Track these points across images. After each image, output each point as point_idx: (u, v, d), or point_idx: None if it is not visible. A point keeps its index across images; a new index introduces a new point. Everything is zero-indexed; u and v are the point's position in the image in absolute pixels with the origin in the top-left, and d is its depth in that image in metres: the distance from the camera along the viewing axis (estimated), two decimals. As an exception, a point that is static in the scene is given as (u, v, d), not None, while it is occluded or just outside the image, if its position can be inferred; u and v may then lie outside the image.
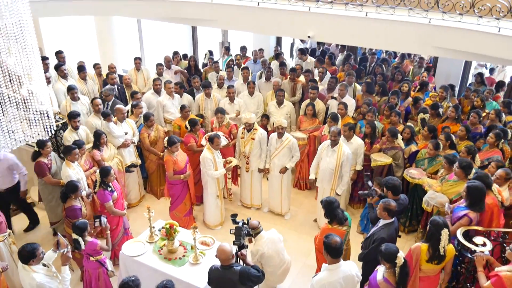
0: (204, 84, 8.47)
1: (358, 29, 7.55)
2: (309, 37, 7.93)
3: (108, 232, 5.55)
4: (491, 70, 11.24)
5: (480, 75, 9.71)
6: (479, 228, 5.09)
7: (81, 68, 8.94)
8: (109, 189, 6.00)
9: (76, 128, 6.95)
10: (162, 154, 7.56)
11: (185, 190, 7.04)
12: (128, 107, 8.03)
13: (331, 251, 4.33)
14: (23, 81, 4.21)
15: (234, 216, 5.25)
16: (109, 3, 9.38)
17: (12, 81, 4.26)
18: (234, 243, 4.86)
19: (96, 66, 9.65)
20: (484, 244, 4.81)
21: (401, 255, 4.32)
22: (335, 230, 5.14)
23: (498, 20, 6.51)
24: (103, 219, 5.43)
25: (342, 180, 6.76)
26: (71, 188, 5.69)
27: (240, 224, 5.07)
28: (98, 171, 6.06)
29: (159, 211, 7.52)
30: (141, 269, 5.38)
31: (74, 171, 6.21)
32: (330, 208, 5.16)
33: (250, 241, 5.51)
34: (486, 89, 9.02)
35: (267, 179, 7.66)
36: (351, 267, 4.49)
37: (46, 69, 8.06)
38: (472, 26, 6.66)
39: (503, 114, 7.83)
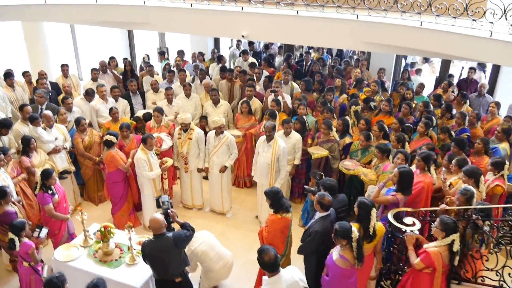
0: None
1: (290, 27, 7.72)
2: (243, 36, 8.02)
3: (41, 246, 5.34)
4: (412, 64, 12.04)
5: (407, 72, 10.19)
6: (408, 209, 5.28)
7: (7, 75, 8.56)
8: (50, 192, 5.80)
9: None
10: (98, 159, 7.37)
11: (126, 189, 7.01)
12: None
13: (268, 267, 4.18)
14: None
15: (158, 197, 5.30)
16: (36, 8, 9.03)
17: None
18: (162, 208, 5.11)
19: (25, 74, 9.31)
20: (413, 224, 5.00)
21: (355, 230, 4.44)
22: (283, 218, 5.19)
23: (420, 14, 6.86)
24: (44, 232, 5.27)
25: (280, 174, 6.83)
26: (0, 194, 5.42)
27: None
28: (39, 173, 5.83)
29: (97, 217, 7.31)
30: (75, 274, 5.19)
31: (0, 178, 5.90)
32: (276, 198, 5.17)
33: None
34: (419, 84, 9.51)
35: (207, 179, 7.61)
36: (293, 273, 4.37)
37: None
38: (396, 20, 6.98)
39: (432, 106, 8.28)
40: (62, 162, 7.16)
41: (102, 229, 5.35)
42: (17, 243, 4.91)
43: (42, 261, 5.30)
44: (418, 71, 11.62)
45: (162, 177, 7.08)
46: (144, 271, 5.11)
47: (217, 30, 8.41)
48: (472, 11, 6.39)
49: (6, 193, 5.45)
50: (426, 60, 11.90)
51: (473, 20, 6.39)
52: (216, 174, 7.27)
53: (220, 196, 7.47)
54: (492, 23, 6.17)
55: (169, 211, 5.04)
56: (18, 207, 5.91)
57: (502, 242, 4.80)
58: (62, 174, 7.17)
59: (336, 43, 8.07)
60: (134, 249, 5.35)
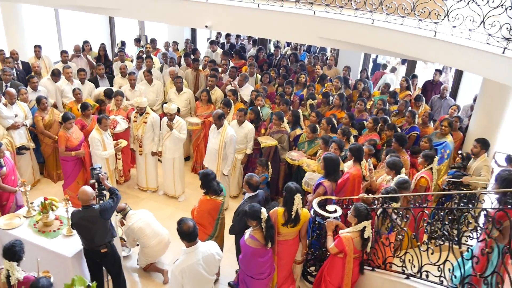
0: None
1: (251, 19, 7.91)
2: (206, 26, 8.21)
3: None
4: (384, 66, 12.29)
5: (365, 71, 10.42)
6: (332, 197, 5.52)
7: (-25, 53, 8.83)
8: None
9: None
10: (56, 137, 7.59)
11: (77, 168, 7.20)
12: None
13: (186, 236, 4.31)
14: None
15: (93, 167, 5.48)
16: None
17: None
18: (94, 173, 5.32)
19: (-1, 52, 9.55)
20: (335, 211, 5.24)
21: (264, 211, 4.66)
22: (212, 200, 5.42)
23: (372, 12, 7.07)
24: None
25: (227, 161, 7.06)
26: None
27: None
28: None
29: (54, 194, 7.49)
30: (13, 242, 5.42)
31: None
32: (206, 180, 5.41)
33: (122, 224, 5.79)
34: (384, 83, 9.77)
35: (161, 162, 7.85)
36: (210, 247, 4.52)
37: None
38: (350, 18, 7.19)
39: (388, 103, 8.57)
40: (20, 138, 7.40)
41: (43, 201, 5.61)
42: None
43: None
44: (394, 70, 11.85)
45: (116, 157, 7.32)
46: (78, 243, 5.33)
47: (181, 19, 8.59)
48: (418, 11, 6.61)
49: None
50: (403, 62, 12.12)
51: (419, 20, 6.62)
52: (169, 158, 7.50)
53: (172, 180, 7.70)
54: (436, 23, 6.40)
55: (100, 175, 5.30)
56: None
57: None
58: (20, 150, 7.43)
59: (294, 37, 8.28)
60: (72, 222, 5.59)
